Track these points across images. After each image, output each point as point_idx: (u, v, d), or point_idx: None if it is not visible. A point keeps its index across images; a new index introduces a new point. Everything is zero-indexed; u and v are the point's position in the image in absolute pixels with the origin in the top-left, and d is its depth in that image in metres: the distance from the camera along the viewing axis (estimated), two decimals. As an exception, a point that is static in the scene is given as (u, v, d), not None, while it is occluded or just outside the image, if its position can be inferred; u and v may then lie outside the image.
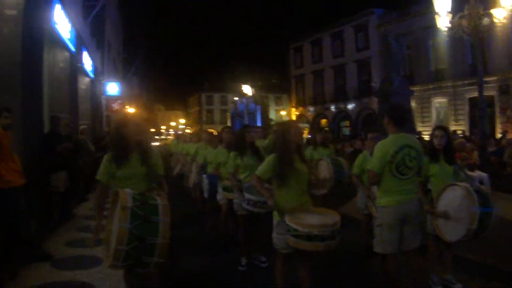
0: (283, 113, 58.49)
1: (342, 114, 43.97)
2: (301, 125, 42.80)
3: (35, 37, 8.60)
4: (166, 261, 3.82)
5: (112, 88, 24.42)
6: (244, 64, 60.29)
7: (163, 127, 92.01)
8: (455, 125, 29.27)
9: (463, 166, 11.56)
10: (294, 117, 50.71)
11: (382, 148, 4.78)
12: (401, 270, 5.11)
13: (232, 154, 6.64)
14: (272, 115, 61.62)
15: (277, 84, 63.31)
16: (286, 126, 4.97)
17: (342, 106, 43.30)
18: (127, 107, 43.79)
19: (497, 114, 28.93)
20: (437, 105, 33.66)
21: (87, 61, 16.96)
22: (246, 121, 54.11)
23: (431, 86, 33.20)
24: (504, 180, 12.96)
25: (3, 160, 5.98)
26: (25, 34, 7.86)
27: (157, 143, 42.98)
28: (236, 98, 58.44)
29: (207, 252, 7.28)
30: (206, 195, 8.46)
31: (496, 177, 12.71)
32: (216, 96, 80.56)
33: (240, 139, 6.71)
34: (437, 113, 33.76)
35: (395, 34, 32.34)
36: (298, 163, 4.77)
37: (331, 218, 4.44)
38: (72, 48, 13.24)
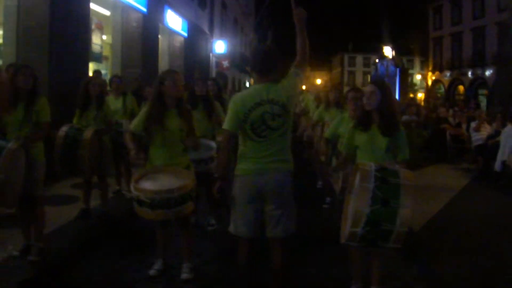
0: (418, 77, 55.44)
1: (479, 81, 40.35)
2: (436, 91, 40.31)
3: None
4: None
5: (220, 46, 25.18)
6: (387, 24, 57.72)
7: (303, 87, 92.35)
8: None
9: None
10: (430, 82, 48.02)
11: (236, 102, 3.73)
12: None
13: None
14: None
15: (418, 47, 59.87)
16: (161, 76, 4.52)
17: (479, 72, 39.71)
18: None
19: None
20: None
21: (174, 21, 17.87)
22: (385, 84, 52.31)
23: None
24: None
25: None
26: None
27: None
28: (377, 60, 56.71)
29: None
30: None
31: None
32: (359, 57, 78.97)
33: (191, 92, 6.46)
34: None
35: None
36: (171, 119, 4.42)
37: (172, 184, 4.06)
38: (143, 9, 14.16)
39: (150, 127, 4.41)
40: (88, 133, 5.76)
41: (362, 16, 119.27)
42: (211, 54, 25.16)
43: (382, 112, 4.06)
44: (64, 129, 5.66)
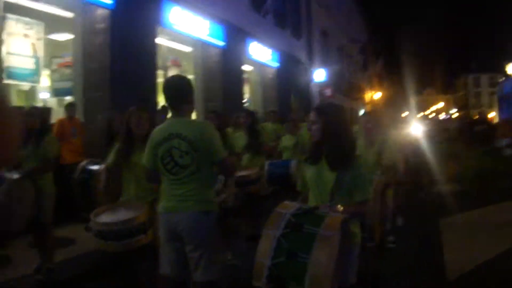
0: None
1: None
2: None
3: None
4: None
5: (319, 74, 24.84)
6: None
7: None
8: None
9: None
10: None
11: (151, 136, 3.69)
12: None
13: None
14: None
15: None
16: (128, 113, 4.46)
17: None
18: (372, 92, 43.91)
19: None
20: None
21: (260, 52, 17.91)
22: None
23: None
24: None
25: (64, 142, 7.86)
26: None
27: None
28: (501, 79, 53.00)
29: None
30: None
31: None
32: (484, 77, 74.41)
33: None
34: None
35: None
36: (138, 154, 4.23)
37: (122, 216, 4.05)
38: (221, 44, 14.51)
39: (118, 162, 4.44)
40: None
41: (485, 32, 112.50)
42: (311, 83, 24.80)
43: (327, 143, 3.35)
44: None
